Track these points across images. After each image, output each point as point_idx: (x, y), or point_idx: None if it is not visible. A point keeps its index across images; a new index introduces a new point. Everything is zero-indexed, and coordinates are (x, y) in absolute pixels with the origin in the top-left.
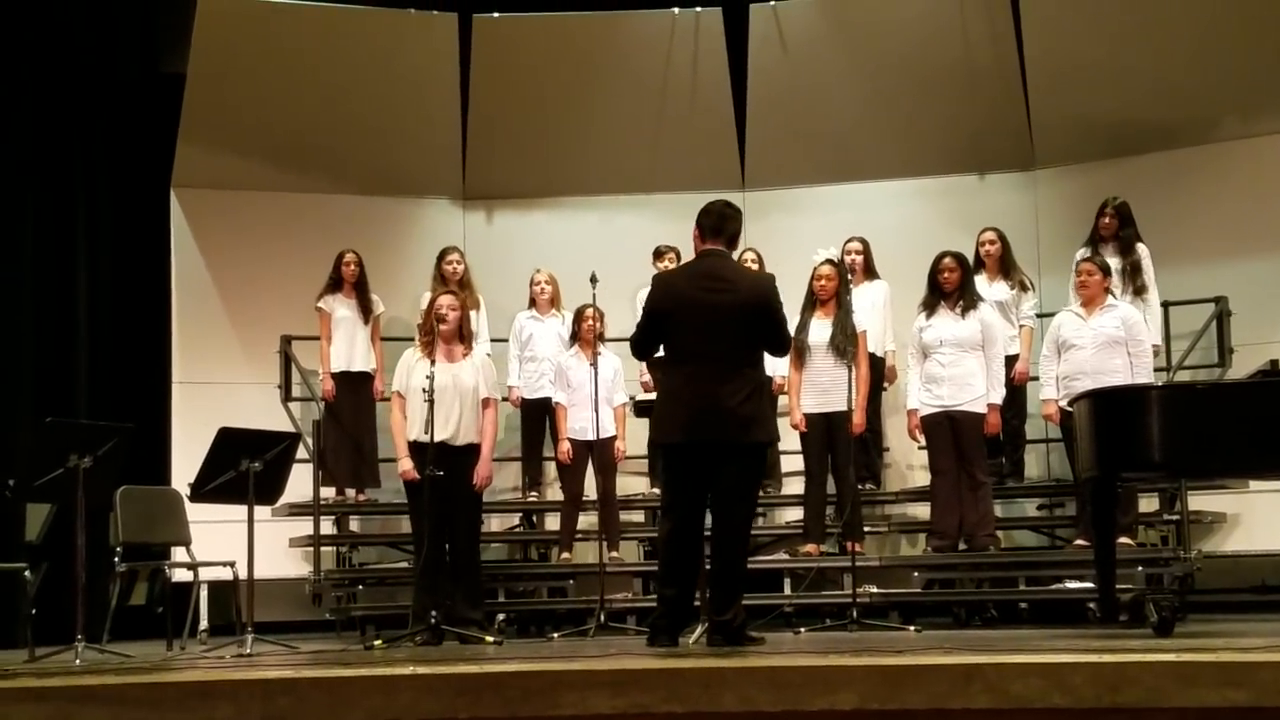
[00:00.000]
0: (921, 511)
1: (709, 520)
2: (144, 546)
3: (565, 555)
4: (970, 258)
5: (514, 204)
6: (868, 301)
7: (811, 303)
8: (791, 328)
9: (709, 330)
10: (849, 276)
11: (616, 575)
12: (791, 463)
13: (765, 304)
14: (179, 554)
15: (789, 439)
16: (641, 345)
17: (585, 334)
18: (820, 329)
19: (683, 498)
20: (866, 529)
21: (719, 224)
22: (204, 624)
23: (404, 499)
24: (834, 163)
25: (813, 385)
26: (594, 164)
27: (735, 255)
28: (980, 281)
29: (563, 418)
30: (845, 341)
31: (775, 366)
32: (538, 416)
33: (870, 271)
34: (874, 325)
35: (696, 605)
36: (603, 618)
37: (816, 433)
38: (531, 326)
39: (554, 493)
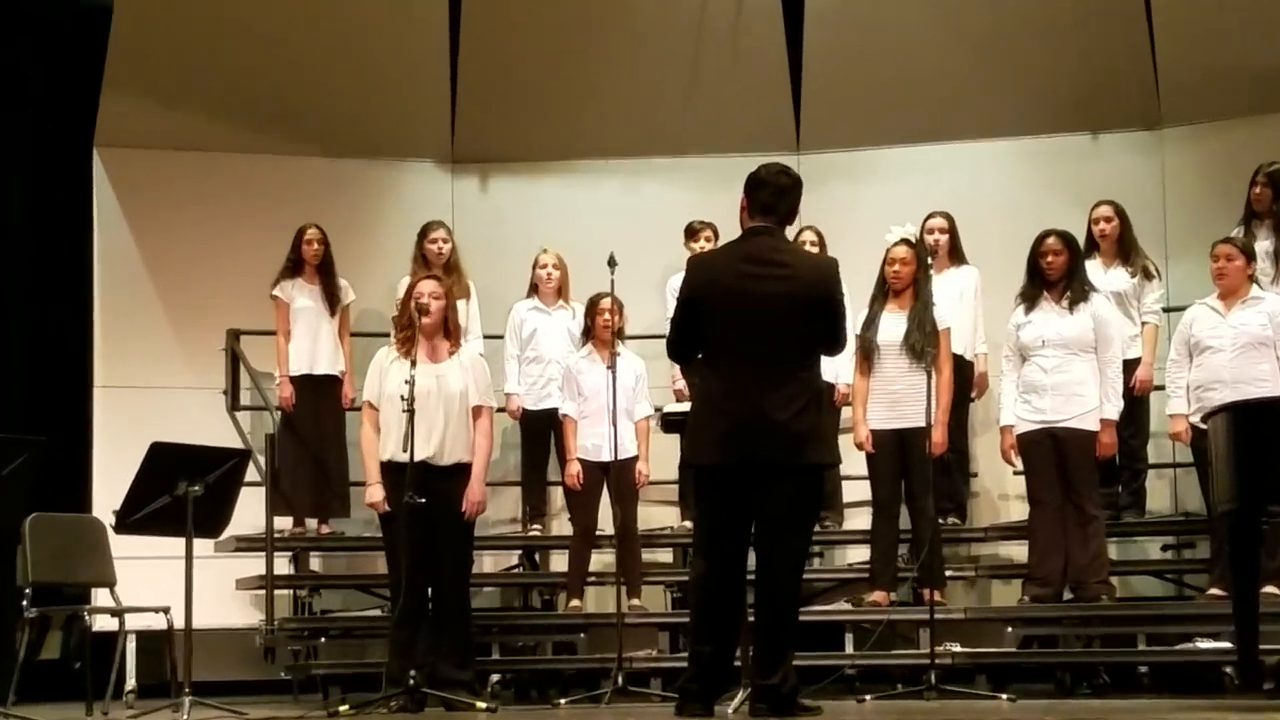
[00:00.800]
0: (1018, 552)
1: (752, 561)
2: (58, 588)
3: (575, 603)
4: (1080, 238)
5: (514, 169)
6: (953, 292)
7: (883, 293)
8: (856, 322)
9: (755, 325)
10: (929, 261)
11: (638, 628)
12: (856, 491)
13: (826, 294)
14: (101, 597)
15: (852, 461)
16: (680, 344)
17: (601, 330)
18: (893, 325)
19: (720, 533)
20: (948, 573)
21: (774, 198)
22: (131, 683)
23: (377, 532)
24: (909, 120)
25: (883, 395)
26: (614, 120)
27: (790, 234)
28: (1093, 267)
29: (572, 433)
30: (923, 341)
31: (838, 372)
32: (542, 431)
33: (956, 255)
34: (960, 321)
35: (737, 666)
36: (620, 680)
37: (887, 454)
38: (535, 320)
39: (561, 525)
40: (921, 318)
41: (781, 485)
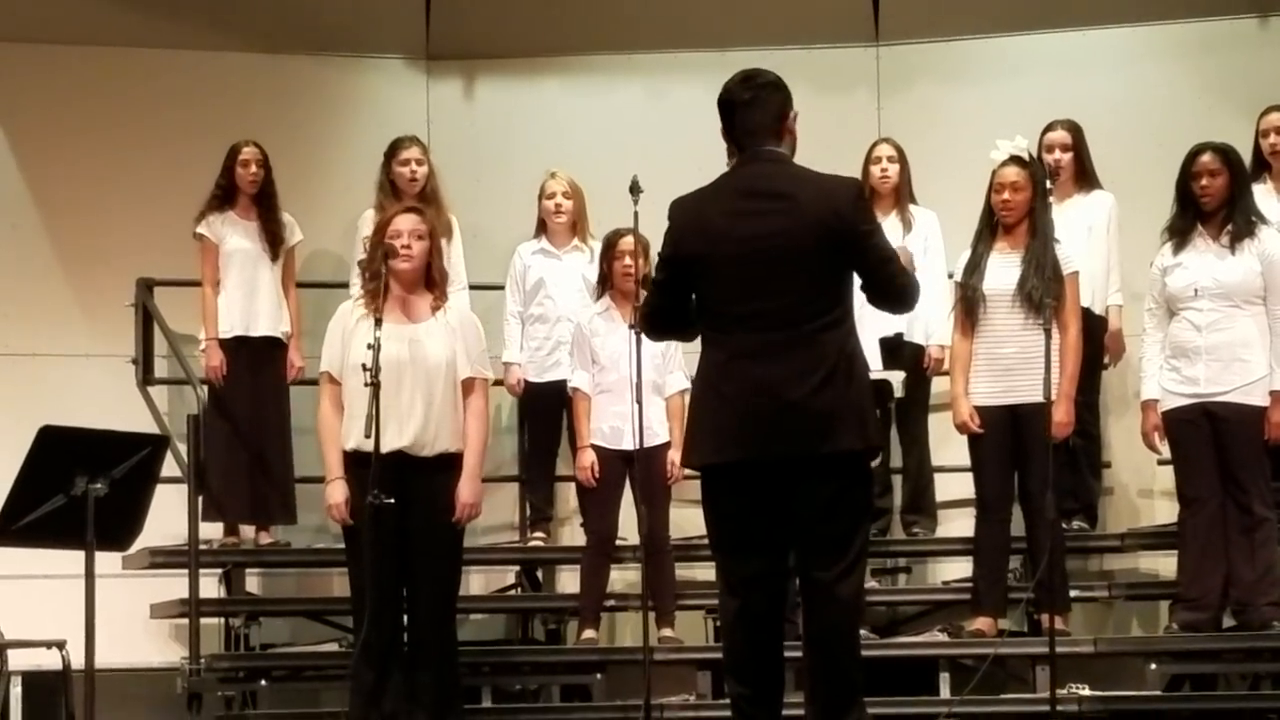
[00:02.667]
0: (1164, 566)
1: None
2: None
3: (589, 634)
4: (1246, 155)
5: (507, 67)
6: (1080, 225)
7: (990, 228)
8: (957, 268)
9: (757, 277)
10: (1049, 185)
11: (670, 665)
12: (953, 486)
13: (845, 224)
14: None
15: (951, 449)
16: (659, 314)
17: (621, 279)
18: (1003, 270)
19: (745, 552)
20: (1074, 593)
21: (744, 118)
22: None
23: (333, 543)
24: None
25: (991, 361)
26: (636, 3)
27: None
28: (1261, 194)
29: (585, 413)
30: (1042, 289)
31: (930, 330)
32: (550, 410)
33: (1085, 178)
34: (1090, 265)
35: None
36: None
37: (995, 438)
38: (541, 266)
39: (572, 534)
40: (1040, 259)
41: (809, 484)
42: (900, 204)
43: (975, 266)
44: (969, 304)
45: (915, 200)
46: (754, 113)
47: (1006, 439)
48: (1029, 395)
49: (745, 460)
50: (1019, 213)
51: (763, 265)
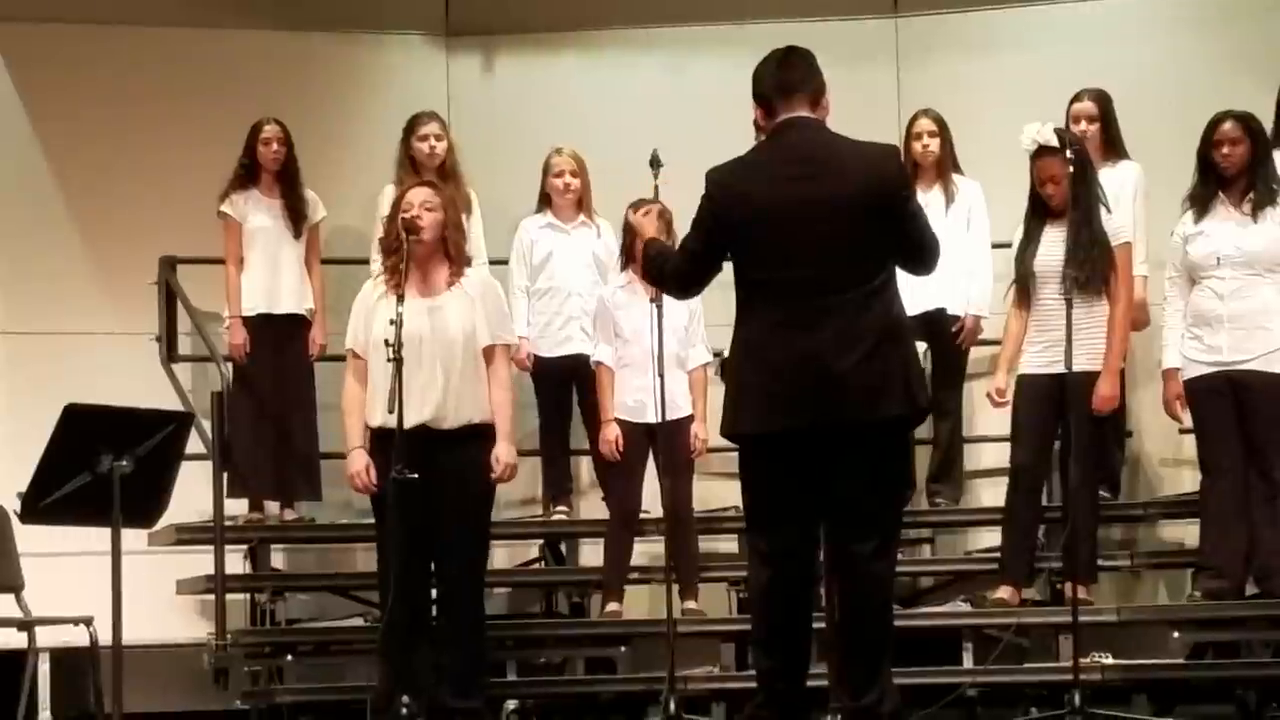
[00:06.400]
0: (1186, 535)
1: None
2: None
3: (613, 607)
4: (1267, 123)
5: (527, 42)
6: (1108, 194)
7: (1037, 205)
8: (1012, 240)
9: (800, 244)
10: (1079, 161)
11: (694, 638)
12: (976, 456)
13: (890, 189)
14: (5, 606)
15: (981, 418)
16: (692, 277)
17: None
18: (1053, 246)
19: (782, 523)
20: (1101, 562)
21: (783, 85)
22: (45, 715)
23: (357, 518)
24: None
25: (1041, 334)
26: None
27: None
28: None
29: (608, 386)
30: (1089, 262)
31: (970, 298)
32: (560, 384)
33: (1113, 147)
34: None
35: (821, 685)
36: (673, 706)
37: (1041, 407)
38: (549, 240)
39: (594, 507)
40: (1083, 233)
41: (852, 454)
42: (943, 176)
43: (1027, 245)
44: (1022, 281)
45: (960, 170)
46: (796, 81)
47: (1051, 409)
48: (1080, 364)
49: (792, 429)
50: (1063, 197)
51: (807, 232)
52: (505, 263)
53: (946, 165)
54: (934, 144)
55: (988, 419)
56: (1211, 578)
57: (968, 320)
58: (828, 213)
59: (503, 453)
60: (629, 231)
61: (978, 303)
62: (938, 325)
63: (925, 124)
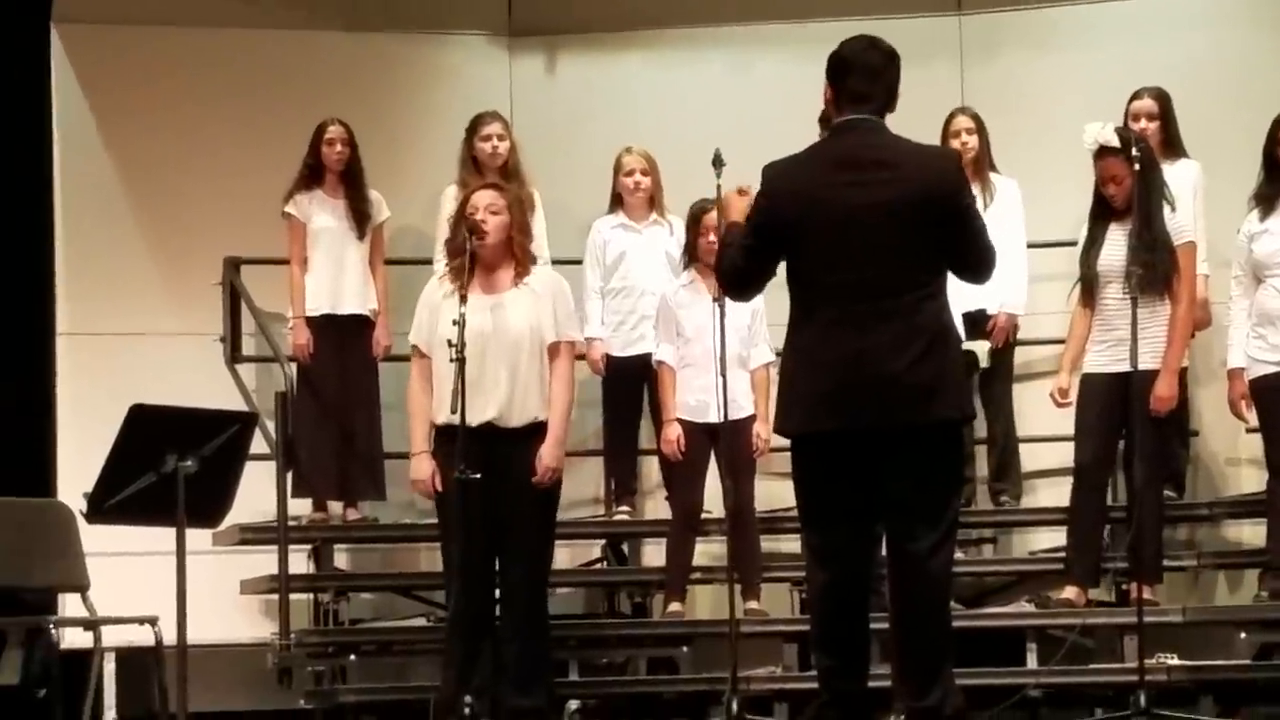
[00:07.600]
0: (1252, 535)
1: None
2: (16, 593)
3: (675, 607)
4: None
5: (589, 42)
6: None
7: (1101, 206)
8: (1042, 235)
9: (855, 247)
10: (1141, 158)
11: (756, 638)
12: (1039, 456)
13: (948, 195)
14: (71, 605)
15: (1040, 417)
16: (747, 275)
17: (706, 252)
18: (1116, 246)
19: (834, 523)
20: (1165, 562)
21: (866, 83)
22: (110, 715)
23: (420, 518)
24: None
25: (1105, 333)
26: None
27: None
28: None
29: (670, 386)
30: (1153, 261)
31: (1004, 300)
32: (632, 384)
33: (1172, 145)
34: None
35: (884, 685)
36: (735, 707)
37: (1104, 405)
38: (621, 241)
39: (657, 507)
40: (1146, 233)
41: (905, 453)
42: (981, 174)
43: (1091, 245)
44: (1087, 282)
45: (996, 168)
46: (883, 78)
47: (1114, 407)
48: (1143, 363)
49: (843, 430)
50: (1125, 197)
51: (864, 235)
52: (569, 262)
53: (984, 163)
54: (972, 141)
55: (1046, 419)
56: (1279, 577)
57: (1000, 318)
58: (884, 215)
59: (547, 455)
60: (691, 232)
61: (1012, 301)
62: (981, 326)
63: (963, 121)
